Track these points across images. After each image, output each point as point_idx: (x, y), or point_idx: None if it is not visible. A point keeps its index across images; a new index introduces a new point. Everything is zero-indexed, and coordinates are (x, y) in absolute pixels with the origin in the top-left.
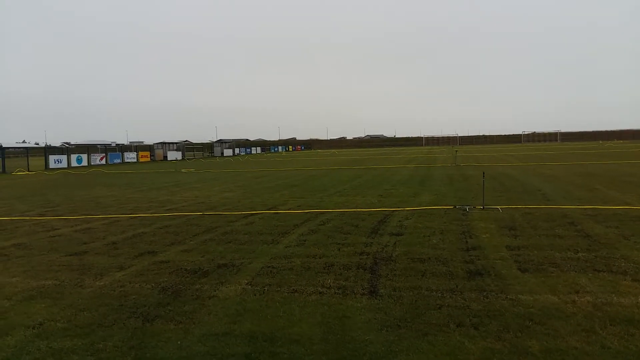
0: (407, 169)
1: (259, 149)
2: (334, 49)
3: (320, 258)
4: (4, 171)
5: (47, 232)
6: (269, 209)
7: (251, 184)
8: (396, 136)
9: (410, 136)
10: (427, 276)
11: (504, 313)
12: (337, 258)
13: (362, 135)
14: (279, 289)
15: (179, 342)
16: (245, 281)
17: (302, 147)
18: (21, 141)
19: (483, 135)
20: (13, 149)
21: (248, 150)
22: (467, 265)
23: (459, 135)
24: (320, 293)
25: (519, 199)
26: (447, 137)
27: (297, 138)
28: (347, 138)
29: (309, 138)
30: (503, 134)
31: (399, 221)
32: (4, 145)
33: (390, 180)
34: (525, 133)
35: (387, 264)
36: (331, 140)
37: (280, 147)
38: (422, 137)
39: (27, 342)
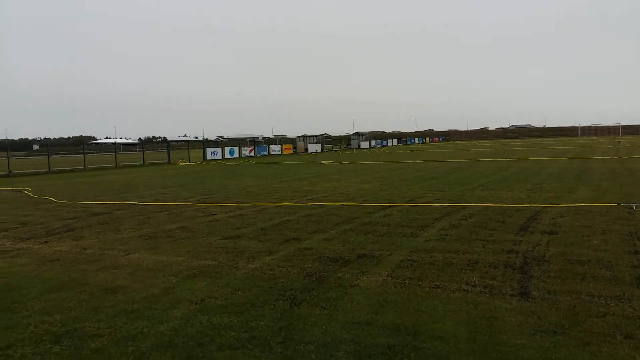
0: (560, 161)
1: (395, 140)
2: (475, 37)
3: (463, 254)
4: (169, 162)
5: (206, 217)
6: (406, 202)
7: (388, 175)
8: (545, 126)
9: (562, 126)
10: (587, 280)
11: None
12: (482, 255)
13: (507, 125)
14: (420, 282)
15: (323, 327)
16: (386, 273)
17: (440, 139)
18: (182, 135)
19: None
20: (176, 142)
21: (384, 142)
22: (637, 270)
23: (621, 124)
24: (464, 291)
25: None
26: (607, 126)
27: (435, 129)
28: (490, 129)
29: (447, 129)
30: None
31: (552, 219)
32: (168, 139)
33: (540, 174)
34: None
35: (540, 265)
36: (471, 131)
37: (416, 139)
38: (577, 127)
39: (191, 315)
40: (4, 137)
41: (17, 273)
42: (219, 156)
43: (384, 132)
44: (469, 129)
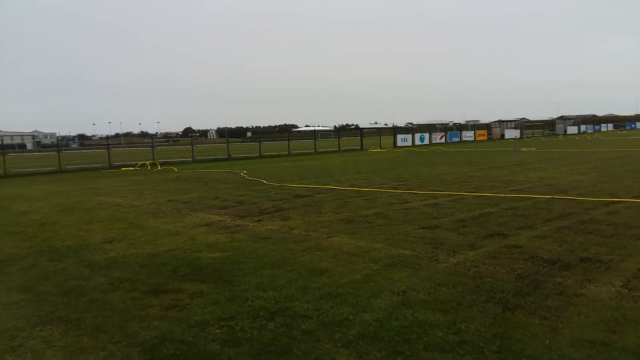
0: None
1: (610, 125)
2: None
3: None
4: (361, 148)
5: (400, 204)
6: (635, 197)
7: (607, 165)
8: None
9: None
10: None
11: None
12: None
13: None
14: None
15: (546, 341)
16: (620, 283)
17: None
18: (373, 122)
19: None
20: (368, 129)
21: (597, 127)
22: None
23: None
24: None
25: None
26: None
27: None
28: None
29: None
30: None
31: None
32: (361, 126)
33: None
34: None
35: None
36: None
37: (638, 123)
38: None
39: (394, 307)
40: (224, 126)
41: (236, 248)
42: (409, 143)
43: (595, 115)
44: None
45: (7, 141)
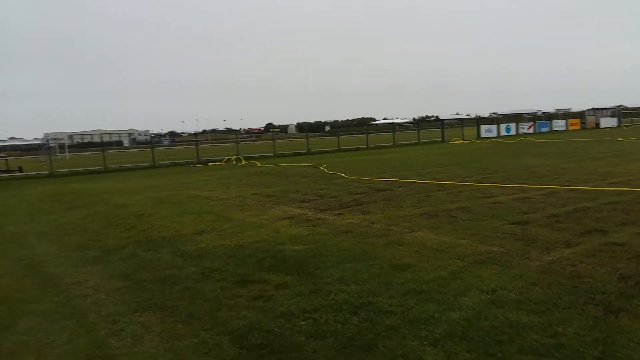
0: None
1: None
2: None
3: None
4: (442, 140)
5: (486, 198)
6: None
7: None
8: None
9: None
10: None
11: None
12: None
13: None
14: None
15: None
16: None
17: None
18: (454, 113)
19: None
20: (449, 121)
21: None
22: None
23: None
24: None
25: None
26: None
27: None
28: None
29: None
30: None
31: None
32: (441, 118)
33: None
34: None
35: None
36: None
37: None
38: None
39: (483, 306)
40: (303, 121)
41: (318, 241)
42: (494, 133)
43: None
44: None
45: (106, 139)
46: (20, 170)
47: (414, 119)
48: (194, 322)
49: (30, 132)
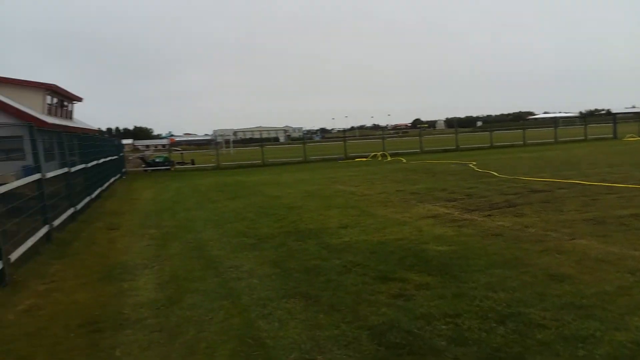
0: None
1: None
2: None
3: None
4: (614, 137)
5: None
6: None
7: None
8: None
9: None
10: None
11: None
12: None
13: None
14: None
15: None
16: None
17: None
18: (630, 107)
19: None
20: (622, 115)
21: None
22: None
23: None
24: None
25: None
26: None
27: None
28: None
29: None
30: None
31: None
32: (613, 111)
33: None
34: None
35: None
36: None
37: None
38: None
39: None
40: (452, 116)
41: (463, 243)
42: None
43: None
44: None
45: (264, 135)
46: (192, 163)
47: (580, 112)
48: (335, 314)
49: (201, 128)
